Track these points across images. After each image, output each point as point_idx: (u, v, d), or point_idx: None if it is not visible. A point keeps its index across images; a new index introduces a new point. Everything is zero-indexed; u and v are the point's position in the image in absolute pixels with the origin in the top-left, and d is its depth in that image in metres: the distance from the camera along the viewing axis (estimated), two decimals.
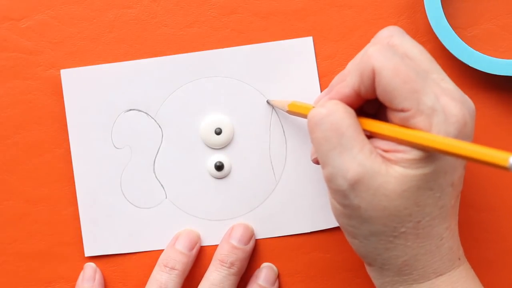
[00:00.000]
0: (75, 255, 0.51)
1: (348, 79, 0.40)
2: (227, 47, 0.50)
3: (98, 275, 0.50)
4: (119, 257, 0.51)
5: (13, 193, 0.51)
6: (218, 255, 0.49)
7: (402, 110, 0.38)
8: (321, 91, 0.50)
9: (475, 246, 0.50)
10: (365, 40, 0.50)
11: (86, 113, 0.50)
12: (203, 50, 0.50)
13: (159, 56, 0.50)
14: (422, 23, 0.50)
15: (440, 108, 0.38)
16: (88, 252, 0.51)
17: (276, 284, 0.50)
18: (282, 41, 0.50)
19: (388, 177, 0.38)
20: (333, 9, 0.50)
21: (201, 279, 0.49)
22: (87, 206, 0.50)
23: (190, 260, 0.49)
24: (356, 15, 0.50)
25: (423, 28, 0.50)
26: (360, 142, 0.39)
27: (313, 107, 0.43)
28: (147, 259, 0.50)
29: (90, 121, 0.50)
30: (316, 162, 0.45)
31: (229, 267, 0.48)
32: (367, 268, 0.43)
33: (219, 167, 0.50)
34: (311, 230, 0.50)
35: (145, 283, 0.49)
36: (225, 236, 0.50)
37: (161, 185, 0.51)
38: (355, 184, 0.38)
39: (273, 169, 0.50)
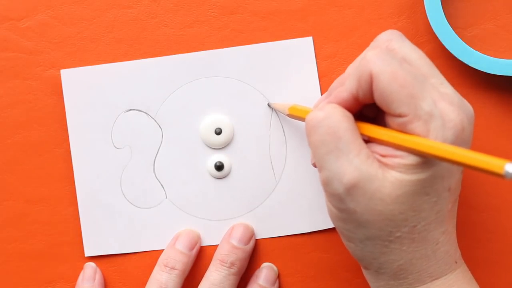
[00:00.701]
0: (75, 255, 0.51)
1: (346, 83, 0.40)
2: (227, 47, 0.50)
3: (98, 275, 0.50)
4: (119, 257, 0.51)
5: (13, 193, 0.51)
6: (218, 255, 0.49)
7: (399, 115, 0.38)
8: (321, 91, 0.50)
9: (475, 246, 0.50)
10: (365, 40, 0.50)
11: (86, 113, 0.51)
12: (203, 50, 0.50)
13: (159, 56, 0.51)
14: (422, 23, 0.50)
15: (438, 113, 0.38)
16: (88, 252, 0.51)
17: (276, 284, 0.50)
18: (282, 41, 0.50)
19: (384, 182, 0.38)
20: (333, 9, 0.50)
21: (201, 279, 0.49)
22: (87, 206, 0.50)
23: (190, 260, 0.49)
24: (356, 15, 0.50)
25: (423, 28, 0.50)
26: (357, 147, 0.39)
27: (312, 111, 0.43)
28: (147, 259, 0.50)
29: (90, 121, 0.50)
30: (316, 166, 0.45)
31: (229, 267, 0.48)
32: (364, 271, 0.43)
33: (219, 167, 0.50)
34: (311, 230, 0.50)
35: (145, 283, 0.49)
36: (225, 236, 0.50)
37: (161, 185, 0.51)
38: (351, 189, 0.38)
39: (273, 169, 0.50)
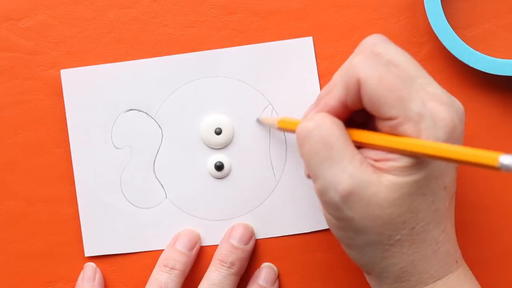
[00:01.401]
0: (75, 255, 0.51)
1: (334, 91, 0.40)
2: (227, 47, 0.50)
3: (98, 275, 0.50)
4: (119, 257, 0.51)
5: (13, 193, 0.51)
6: (218, 255, 0.49)
7: (389, 119, 0.38)
8: (321, 91, 0.50)
9: (474, 246, 0.50)
10: None
11: (86, 113, 0.51)
12: (203, 50, 0.50)
13: (159, 56, 0.51)
14: (422, 23, 0.50)
15: (428, 113, 0.38)
16: (88, 252, 0.51)
17: (276, 284, 0.50)
18: (282, 41, 0.50)
19: (380, 186, 0.38)
20: (333, 9, 0.50)
21: (201, 279, 0.49)
22: (87, 206, 0.50)
23: (190, 260, 0.49)
24: (356, 15, 0.50)
25: (423, 28, 0.50)
26: (349, 154, 0.39)
27: (301, 121, 0.43)
28: (147, 259, 0.50)
29: (90, 121, 0.50)
30: (310, 177, 0.45)
31: (229, 267, 0.48)
32: (366, 277, 0.43)
33: (219, 167, 0.50)
34: (311, 230, 0.50)
35: (145, 283, 0.49)
36: (225, 236, 0.50)
37: (161, 185, 0.51)
38: (347, 196, 0.38)
39: (273, 169, 0.50)
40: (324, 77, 0.50)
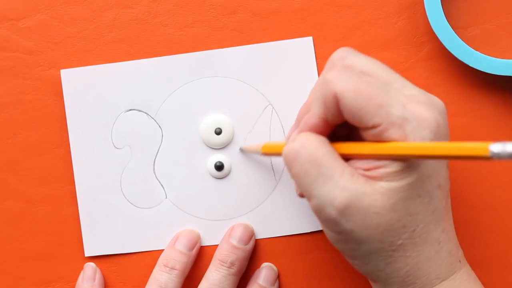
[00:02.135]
0: (75, 255, 0.51)
1: (313, 109, 0.40)
2: (227, 47, 0.50)
3: (98, 275, 0.50)
4: (119, 257, 0.51)
5: (13, 193, 0.51)
6: (218, 255, 0.49)
7: (373, 127, 0.38)
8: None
9: (474, 246, 0.50)
10: (365, 40, 0.50)
11: (86, 113, 0.51)
12: (203, 50, 0.50)
13: (159, 56, 0.51)
14: (422, 23, 0.50)
15: (410, 116, 0.38)
16: (88, 252, 0.51)
17: (276, 284, 0.50)
18: (282, 41, 0.50)
19: (375, 195, 0.38)
20: (333, 9, 0.50)
21: (201, 279, 0.49)
22: (87, 206, 0.50)
23: (190, 260, 0.49)
24: (356, 15, 0.50)
25: (423, 28, 0.50)
26: (339, 168, 0.39)
27: (286, 143, 0.43)
28: (147, 259, 0.50)
29: (90, 121, 0.50)
30: (302, 195, 0.44)
31: (229, 267, 0.48)
32: (372, 284, 0.43)
33: (219, 167, 0.50)
34: (311, 230, 0.50)
35: (145, 283, 0.49)
36: (225, 236, 0.50)
37: (161, 185, 0.51)
38: (344, 210, 0.38)
39: (273, 169, 0.50)
40: None
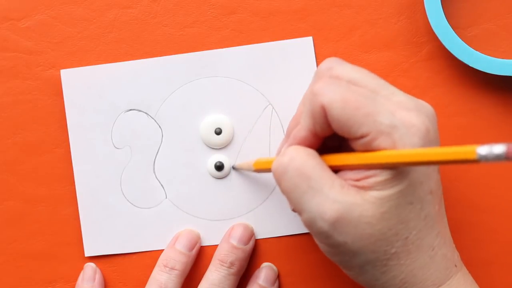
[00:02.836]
0: (75, 255, 0.51)
1: (301, 122, 0.40)
2: (227, 47, 0.50)
3: (98, 275, 0.50)
4: (119, 257, 0.51)
5: (13, 193, 0.51)
6: (218, 255, 0.49)
7: (362, 136, 0.38)
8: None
9: (474, 246, 0.50)
10: (365, 40, 0.50)
11: (86, 113, 0.51)
12: (203, 50, 0.50)
13: (159, 56, 0.51)
14: (422, 23, 0.50)
15: (399, 123, 0.38)
16: (88, 252, 0.51)
17: (276, 284, 0.50)
18: (282, 41, 0.50)
19: (365, 205, 0.38)
20: (333, 9, 0.50)
21: (201, 279, 0.49)
22: (87, 206, 0.50)
23: (190, 260, 0.49)
24: (356, 15, 0.50)
25: (423, 28, 0.50)
26: (328, 180, 0.38)
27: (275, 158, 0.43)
28: (147, 259, 0.50)
29: (90, 121, 0.51)
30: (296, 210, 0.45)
31: (229, 267, 0.48)
32: None
33: (219, 167, 0.50)
34: None
35: (145, 283, 0.49)
36: (225, 236, 0.50)
37: (161, 185, 0.51)
38: (335, 222, 0.38)
39: None
40: None
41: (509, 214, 0.50)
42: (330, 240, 0.39)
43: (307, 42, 0.50)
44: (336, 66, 0.41)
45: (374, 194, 0.38)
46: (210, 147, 0.50)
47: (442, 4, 0.48)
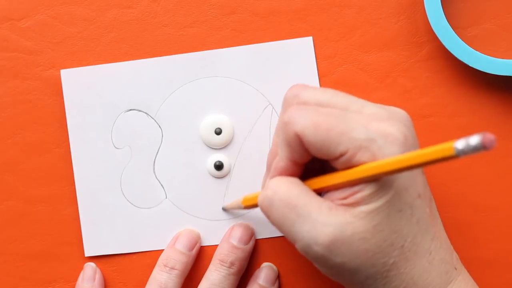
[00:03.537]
0: (75, 255, 0.51)
1: (279, 153, 0.41)
2: (227, 47, 0.50)
3: (98, 275, 0.50)
4: (119, 257, 0.51)
5: (13, 193, 0.51)
6: (218, 255, 0.49)
7: (341, 155, 0.38)
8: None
9: (474, 246, 0.50)
10: (365, 40, 0.50)
11: (86, 113, 0.51)
12: (203, 50, 0.50)
13: (159, 56, 0.51)
14: (422, 23, 0.50)
15: (375, 135, 0.38)
16: (88, 252, 0.51)
17: (276, 284, 0.50)
18: (282, 41, 0.50)
19: (356, 222, 0.38)
20: (333, 9, 0.50)
21: (201, 279, 0.49)
22: (87, 206, 0.50)
23: (190, 260, 0.49)
24: (356, 15, 0.50)
25: (423, 28, 0.50)
26: (315, 205, 0.39)
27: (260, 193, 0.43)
28: (147, 259, 0.50)
29: (90, 121, 0.51)
30: None
31: (229, 267, 0.48)
32: None
33: (219, 166, 0.50)
34: None
35: (145, 283, 0.49)
36: (225, 236, 0.50)
37: (161, 185, 0.51)
38: (330, 246, 0.38)
39: None
40: (324, 77, 0.50)
41: (509, 214, 0.50)
42: (328, 263, 0.39)
43: (307, 42, 0.50)
44: (302, 92, 0.41)
45: (363, 209, 0.38)
46: (210, 147, 0.50)
47: (442, 4, 0.48)
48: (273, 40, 0.50)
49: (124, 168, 0.51)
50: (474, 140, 0.31)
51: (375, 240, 0.38)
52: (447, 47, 0.48)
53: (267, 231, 0.50)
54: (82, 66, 0.51)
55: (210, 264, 0.49)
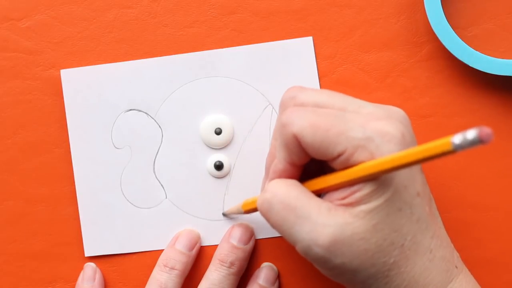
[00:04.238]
0: (75, 255, 0.51)
1: (277, 155, 0.41)
2: (227, 47, 0.50)
3: (98, 275, 0.50)
4: (119, 257, 0.51)
5: (13, 193, 0.51)
6: (218, 255, 0.49)
7: (339, 155, 0.38)
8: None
9: (474, 246, 0.50)
10: (365, 40, 0.50)
11: (86, 113, 0.51)
12: (203, 50, 0.50)
13: (159, 56, 0.51)
14: (422, 23, 0.50)
15: (372, 134, 0.38)
16: (88, 252, 0.51)
17: (276, 284, 0.50)
18: (282, 41, 0.50)
19: (356, 222, 0.38)
20: (333, 9, 0.50)
21: (201, 279, 0.49)
22: (87, 206, 0.50)
23: (190, 260, 0.49)
24: (356, 15, 0.50)
25: (423, 28, 0.50)
26: (314, 206, 0.39)
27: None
28: (147, 259, 0.50)
29: (90, 121, 0.51)
30: None
31: (229, 267, 0.48)
32: None
33: (219, 166, 0.50)
34: None
35: (145, 283, 0.49)
36: (225, 236, 0.50)
37: (161, 185, 0.51)
38: (330, 247, 0.38)
39: None
40: (324, 77, 0.50)
41: (509, 214, 0.50)
42: (329, 264, 0.39)
43: (307, 42, 0.50)
44: (299, 93, 0.41)
45: (363, 208, 0.38)
46: (210, 147, 0.50)
47: (442, 4, 0.48)
48: (273, 40, 0.50)
49: (124, 168, 0.51)
50: (471, 134, 0.31)
51: (375, 239, 0.38)
52: (447, 47, 0.48)
53: (267, 231, 0.50)
54: (82, 66, 0.51)
55: (210, 264, 0.49)
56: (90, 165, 0.50)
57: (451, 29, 0.48)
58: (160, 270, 0.48)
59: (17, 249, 0.51)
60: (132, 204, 0.51)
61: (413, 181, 0.40)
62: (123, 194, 0.51)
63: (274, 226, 0.40)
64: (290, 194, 0.39)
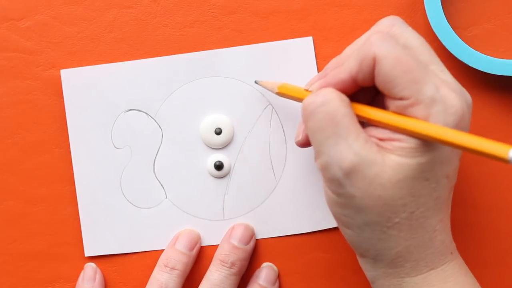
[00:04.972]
0: (75, 255, 0.51)
1: (346, 65, 0.40)
2: (227, 47, 0.50)
3: (98, 275, 0.50)
4: (119, 257, 0.51)
5: (13, 193, 0.51)
6: (218, 255, 0.49)
7: (401, 99, 0.38)
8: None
9: (474, 245, 0.50)
10: None
11: (86, 113, 0.51)
12: (203, 50, 0.50)
13: (159, 56, 0.51)
14: (422, 23, 0.50)
15: (440, 99, 0.38)
16: (88, 252, 0.51)
17: (276, 284, 0.50)
18: (282, 41, 0.50)
19: (384, 166, 0.38)
20: (333, 9, 0.50)
21: (202, 279, 0.49)
22: (87, 206, 0.50)
23: (191, 260, 0.49)
24: (356, 15, 0.50)
25: (423, 28, 0.50)
26: (355, 131, 0.39)
27: (305, 90, 0.43)
28: (147, 259, 0.50)
29: (90, 121, 0.50)
30: (300, 144, 0.45)
31: (230, 267, 0.48)
32: (360, 260, 0.43)
33: (219, 166, 0.50)
34: (311, 230, 0.50)
35: (145, 283, 0.49)
36: (225, 236, 0.50)
37: (161, 185, 0.51)
38: (351, 173, 0.38)
39: (273, 169, 0.50)
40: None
41: (509, 214, 0.50)
42: (340, 190, 0.39)
43: (307, 42, 0.50)
44: (398, 25, 0.41)
45: (395, 158, 0.38)
46: (210, 147, 0.50)
47: (442, 4, 0.48)
48: (273, 40, 0.50)
49: (124, 168, 0.51)
50: None
51: (391, 192, 0.38)
52: (447, 47, 0.48)
53: (267, 231, 0.50)
54: (82, 66, 0.51)
55: (211, 264, 0.49)
56: (90, 165, 0.50)
57: (451, 29, 0.48)
58: (161, 270, 0.48)
59: (17, 249, 0.51)
60: (132, 204, 0.51)
61: (449, 162, 0.40)
62: (123, 194, 0.51)
63: (308, 130, 0.40)
64: (339, 110, 0.39)
